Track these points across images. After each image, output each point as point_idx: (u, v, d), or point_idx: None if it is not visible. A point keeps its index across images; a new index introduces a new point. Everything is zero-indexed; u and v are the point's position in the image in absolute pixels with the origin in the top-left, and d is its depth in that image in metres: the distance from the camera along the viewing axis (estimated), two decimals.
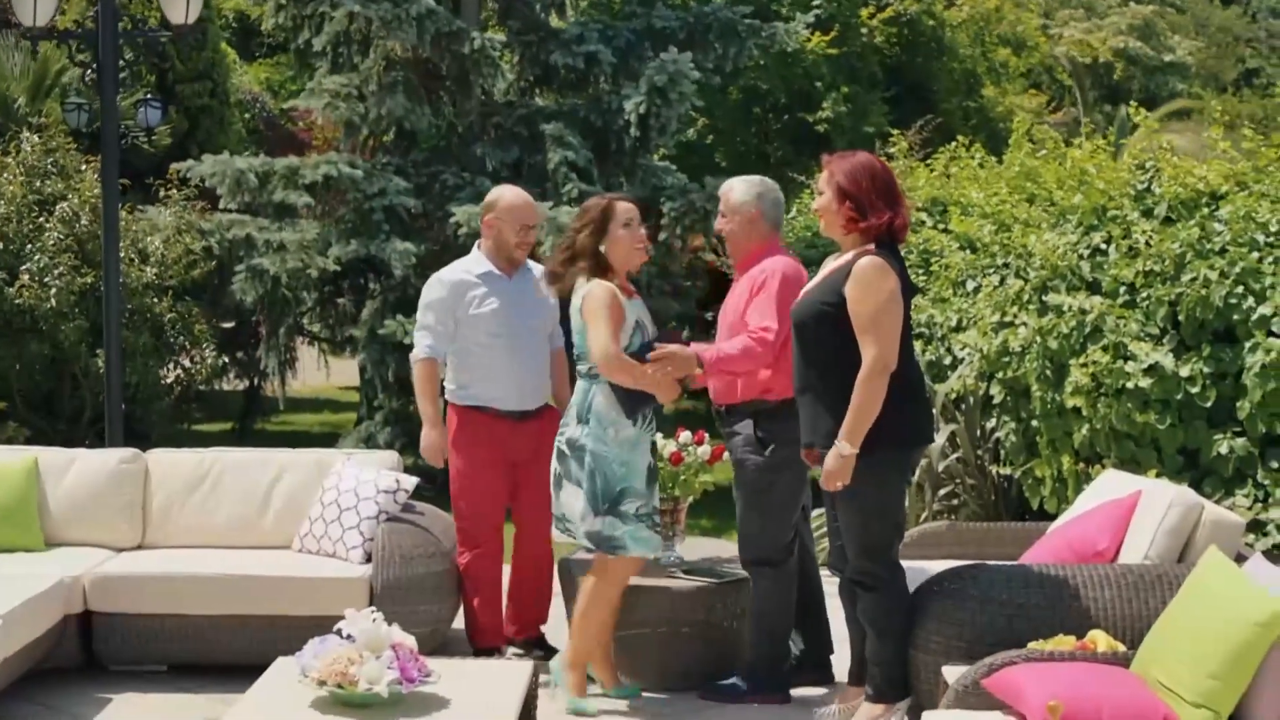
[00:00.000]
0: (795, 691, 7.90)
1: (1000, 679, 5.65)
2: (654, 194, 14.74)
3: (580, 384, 7.56)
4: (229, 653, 8.10)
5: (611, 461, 7.39)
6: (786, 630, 7.88)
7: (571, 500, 7.50)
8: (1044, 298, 9.89)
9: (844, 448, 6.76)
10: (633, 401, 7.41)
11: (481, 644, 8.34)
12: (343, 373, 20.06)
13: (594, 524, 7.42)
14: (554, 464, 7.61)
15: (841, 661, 7.81)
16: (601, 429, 7.40)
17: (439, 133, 15.44)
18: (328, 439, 15.62)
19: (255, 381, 17.58)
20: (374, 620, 6.04)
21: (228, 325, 17.09)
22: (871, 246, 6.93)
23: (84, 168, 14.94)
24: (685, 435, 8.31)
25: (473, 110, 15.00)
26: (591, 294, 7.38)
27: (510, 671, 6.51)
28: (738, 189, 7.94)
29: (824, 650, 8.18)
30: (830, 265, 7.15)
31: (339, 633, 6.07)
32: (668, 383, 7.44)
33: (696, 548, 8.61)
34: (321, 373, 18.42)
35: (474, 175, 14.51)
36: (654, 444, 7.66)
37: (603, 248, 7.43)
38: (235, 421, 17.61)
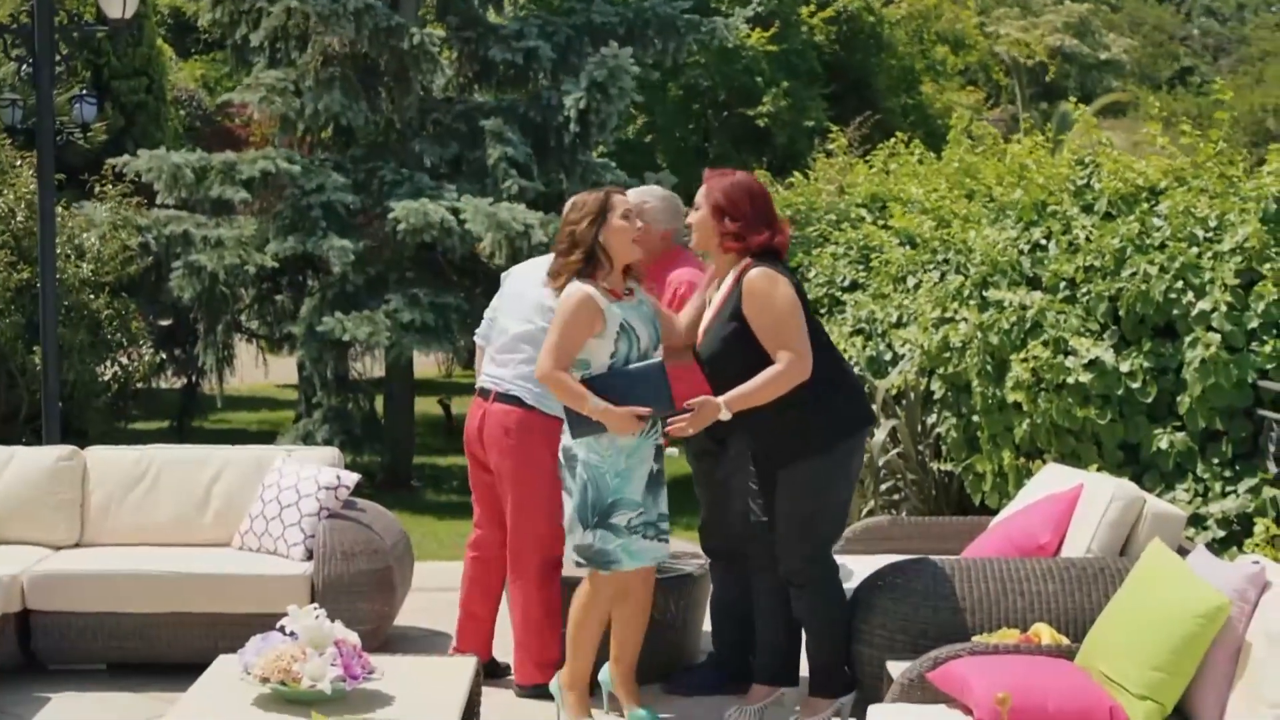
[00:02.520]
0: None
1: (945, 672, 5.65)
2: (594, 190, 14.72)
3: None
4: (169, 651, 8.03)
5: (605, 472, 7.01)
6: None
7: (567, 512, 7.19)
8: (984, 293, 9.89)
9: (723, 413, 6.78)
10: (577, 423, 6.99)
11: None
12: (280, 370, 19.98)
13: (583, 538, 7.07)
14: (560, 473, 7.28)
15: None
16: (595, 438, 7.05)
17: (377, 129, 15.39)
18: (266, 437, 15.56)
19: (193, 379, 17.46)
20: (317, 617, 5.99)
21: (165, 323, 16.98)
22: (749, 260, 6.94)
23: (19, 164, 14.84)
24: None
25: (411, 106, 14.97)
26: (565, 296, 7.05)
27: (453, 668, 6.48)
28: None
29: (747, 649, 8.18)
30: (718, 296, 7.13)
31: (281, 630, 6.03)
32: (625, 421, 6.90)
33: None
34: (259, 370, 18.35)
35: (413, 171, 14.48)
36: (660, 449, 7.22)
37: (601, 239, 7.10)
38: (173, 419, 17.51)
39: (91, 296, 14.52)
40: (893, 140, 15.25)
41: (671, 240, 7.90)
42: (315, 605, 6.11)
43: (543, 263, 7.66)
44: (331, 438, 13.78)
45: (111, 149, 21.36)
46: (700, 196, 7.13)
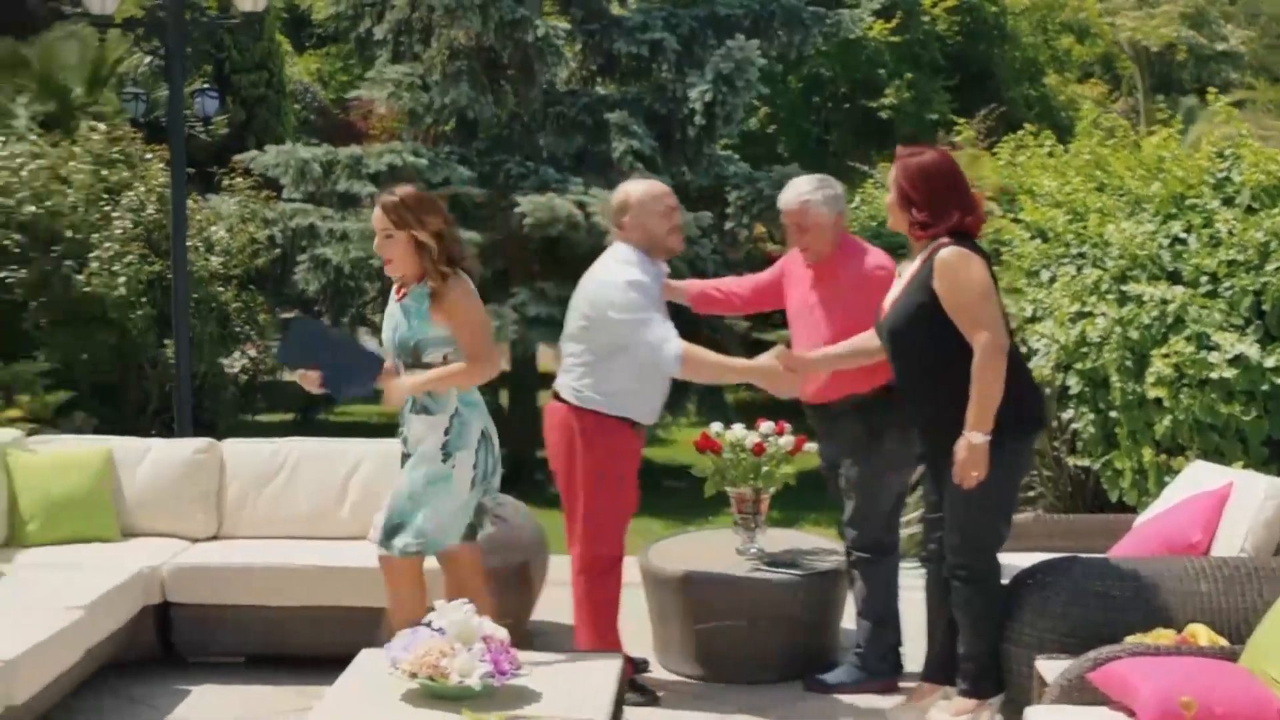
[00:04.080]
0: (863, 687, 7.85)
1: (1106, 673, 5.55)
2: (718, 183, 14.69)
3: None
4: (306, 644, 8.05)
5: (403, 493, 7.03)
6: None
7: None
8: (1123, 287, 9.76)
9: (975, 436, 6.61)
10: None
11: None
12: None
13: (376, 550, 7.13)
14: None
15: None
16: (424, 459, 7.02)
17: (501, 122, 15.37)
18: (387, 430, 15.54)
19: None
20: (465, 612, 5.96)
21: (290, 315, 17.05)
22: (945, 239, 6.82)
23: (149, 157, 14.94)
24: (766, 425, 8.21)
25: (536, 99, 14.94)
26: None
27: (600, 665, 6.43)
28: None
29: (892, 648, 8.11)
30: (908, 271, 7.04)
31: (429, 625, 6.00)
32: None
33: (779, 540, 8.50)
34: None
35: (538, 164, 14.45)
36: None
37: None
38: (297, 412, 17.56)
39: (220, 289, 14.61)
40: (1020, 132, 15.09)
41: (843, 226, 7.78)
42: (464, 600, 6.06)
43: (601, 261, 7.62)
44: None
45: (232, 142, 21.55)
46: (889, 179, 7.04)
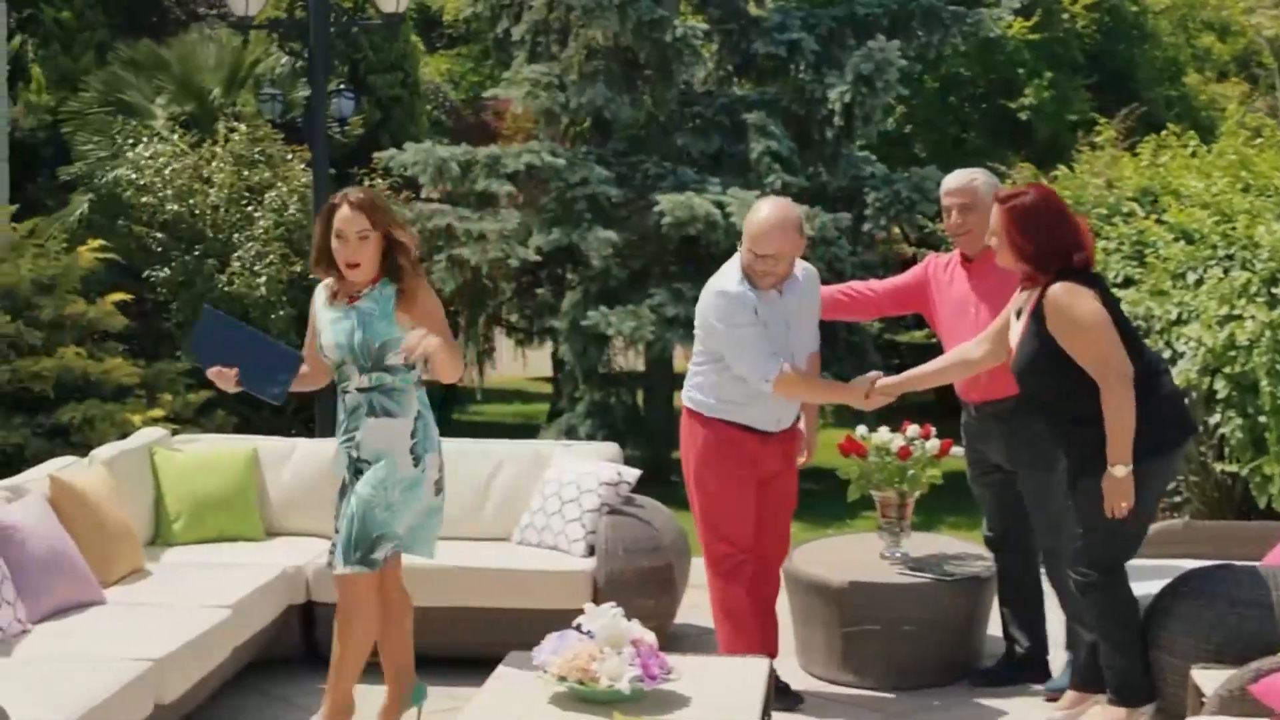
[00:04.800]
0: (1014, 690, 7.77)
1: (1270, 685, 5.44)
2: (855, 184, 14.62)
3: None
4: (448, 646, 8.03)
5: (376, 505, 6.64)
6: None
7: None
8: (1274, 290, 9.60)
9: (1117, 470, 6.54)
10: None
11: None
12: (532, 363, 20.04)
13: (343, 570, 6.66)
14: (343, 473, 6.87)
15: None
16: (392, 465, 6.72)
17: (637, 122, 15.36)
18: (521, 430, 15.62)
19: None
20: (614, 616, 5.94)
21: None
22: (1050, 276, 6.77)
23: (290, 157, 15.04)
24: (913, 429, 8.13)
25: (673, 99, 14.91)
26: None
27: (749, 669, 6.39)
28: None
29: (1042, 649, 8.00)
30: (1025, 309, 6.96)
31: (578, 628, 5.98)
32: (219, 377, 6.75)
33: (924, 544, 8.42)
34: (517, 363, 18.42)
35: (675, 165, 14.43)
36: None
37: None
38: (433, 412, 17.57)
39: None
40: (1163, 132, 14.86)
41: None
42: (612, 604, 6.03)
43: (723, 269, 7.48)
44: (594, 432, 13.77)
45: (367, 143, 21.60)
46: (995, 224, 6.95)
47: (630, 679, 5.70)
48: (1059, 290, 6.68)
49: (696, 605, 8.67)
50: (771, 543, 7.71)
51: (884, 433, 8.14)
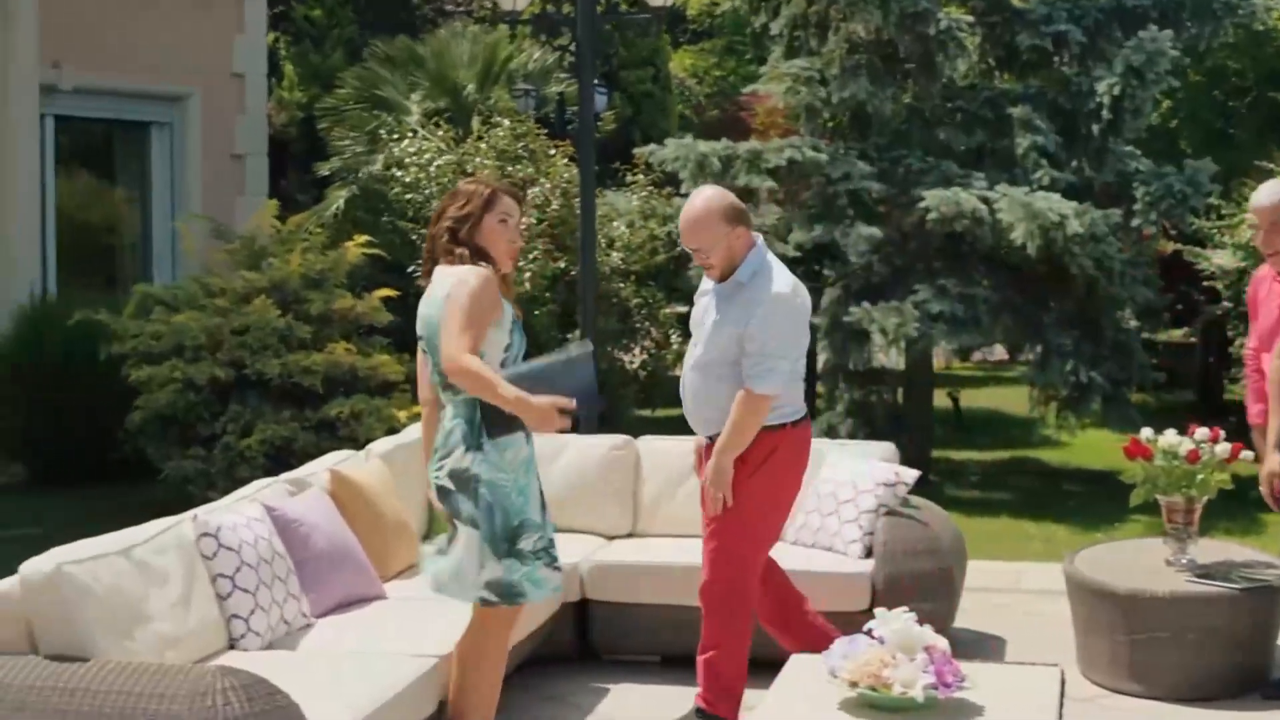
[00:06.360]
0: None
1: None
2: (1122, 179, 14.30)
3: (463, 400, 6.30)
4: None
5: (509, 491, 6.24)
6: None
7: (465, 549, 6.26)
8: None
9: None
10: (496, 422, 6.18)
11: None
12: None
13: (495, 570, 6.22)
14: (433, 504, 6.47)
15: None
16: (498, 452, 6.23)
17: (897, 117, 15.17)
18: None
19: None
20: (906, 621, 5.80)
21: (684, 310, 17.11)
22: None
23: (553, 152, 15.10)
24: (1201, 432, 7.89)
25: (935, 93, 14.69)
26: (465, 275, 6.24)
27: (1041, 678, 6.21)
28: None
29: None
30: None
31: (868, 632, 5.86)
32: (545, 415, 6.04)
33: (1211, 550, 8.18)
34: None
35: (938, 160, 14.21)
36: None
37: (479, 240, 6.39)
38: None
39: (620, 285, 14.69)
40: None
41: None
42: (904, 608, 5.88)
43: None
44: (855, 431, 13.62)
45: (619, 138, 21.70)
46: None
47: (924, 686, 5.56)
48: None
49: (964, 610, 8.52)
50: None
51: (1171, 435, 7.91)
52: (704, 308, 7.16)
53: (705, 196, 7.04)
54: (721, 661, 7.03)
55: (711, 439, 7.03)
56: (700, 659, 7.08)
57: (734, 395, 6.89)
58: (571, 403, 6.11)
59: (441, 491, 6.30)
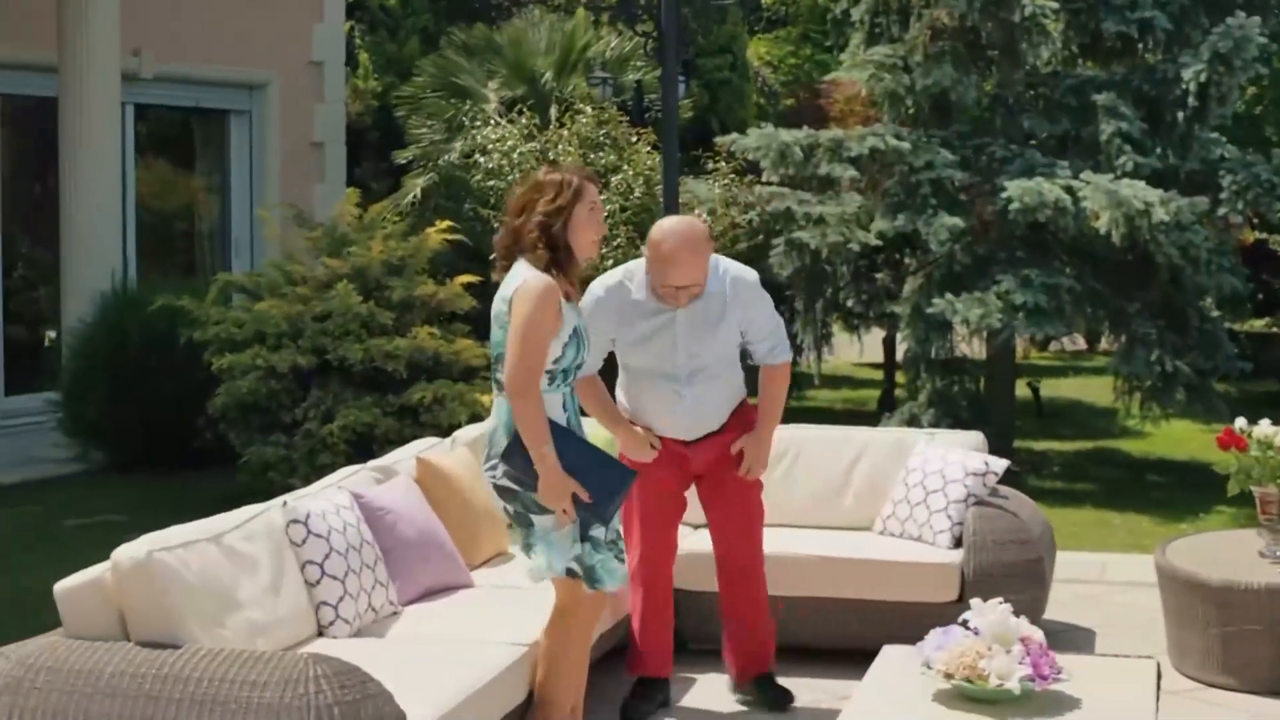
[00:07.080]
0: None
1: None
2: (1208, 167, 14.14)
3: (509, 406, 6.14)
4: (807, 636, 7.93)
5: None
6: None
7: (543, 537, 6.20)
8: None
9: None
10: (513, 456, 6.10)
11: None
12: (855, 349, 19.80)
13: (576, 549, 6.18)
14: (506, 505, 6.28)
15: None
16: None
17: (980, 104, 15.06)
18: (851, 417, 15.44)
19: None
20: (1002, 612, 5.74)
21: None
22: None
23: (635, 139, 15.06)
24: None
25: (1020, 80, 14.58)
26: (526, 288, 6.08)
27: (1136, 670, 6.14)
28: None
29: None
30: None
31: (963, 623, 5.80)
32: (557, 495, 6.01)
33: None
34: (852, 349, 18.25)
35: (1022, 148, 14.09)
36: None
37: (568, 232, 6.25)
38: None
39: None
40: None
41: None
42: (1000, 599, 5.82)
43: None
44: (937, 420, 13.51)
45: (696, 126, 21.64)
46: None
47: (1020, 678, 5.50)
48: None
49: (1053, 601, 8.42)
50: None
51: (1266, 425, 7.81)
52: (657, 327, 7.14)
53: (692, 236, 7.01)
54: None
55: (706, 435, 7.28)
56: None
57: (735, 385, 7.30)
58: (586, 496, 6.05)
59: (502, 491, 6.22)
